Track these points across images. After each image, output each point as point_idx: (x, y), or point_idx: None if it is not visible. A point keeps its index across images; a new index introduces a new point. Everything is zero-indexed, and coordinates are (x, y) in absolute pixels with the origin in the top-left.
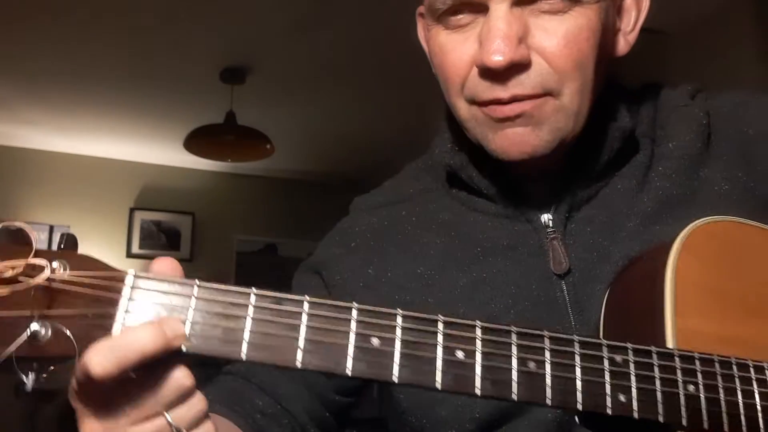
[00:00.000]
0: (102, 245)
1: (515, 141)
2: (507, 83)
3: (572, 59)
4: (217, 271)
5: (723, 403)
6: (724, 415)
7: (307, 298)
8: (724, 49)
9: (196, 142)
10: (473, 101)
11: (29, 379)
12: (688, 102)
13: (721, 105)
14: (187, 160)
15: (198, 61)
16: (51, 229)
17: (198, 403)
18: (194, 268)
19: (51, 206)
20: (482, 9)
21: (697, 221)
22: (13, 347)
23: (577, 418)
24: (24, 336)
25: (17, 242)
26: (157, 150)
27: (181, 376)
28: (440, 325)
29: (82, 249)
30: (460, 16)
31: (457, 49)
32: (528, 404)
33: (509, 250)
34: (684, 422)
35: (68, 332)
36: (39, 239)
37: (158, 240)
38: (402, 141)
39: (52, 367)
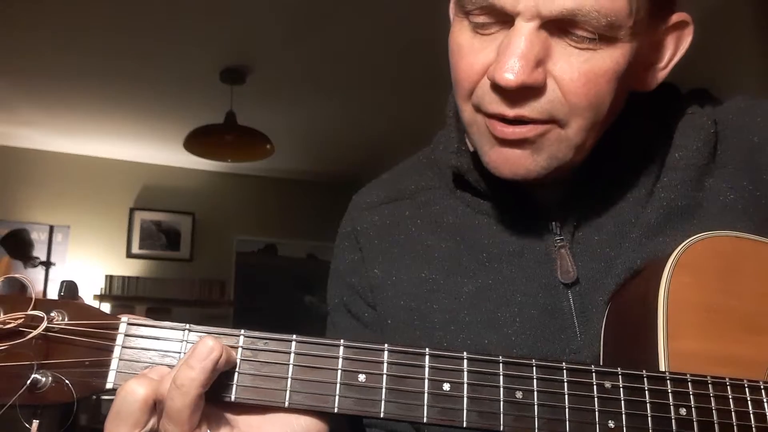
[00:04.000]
0: (102, 245)
1: (509, 161)
2: (515, 103)
3: (588, 98)
4: (217, 271)
5: (716, 426)
6: None
7: (295, 337)
8: (724, 49)
9: (196, 142)
10: (479, 109)
11: (33, 426)
12: (696, 110)
13: (727, 112)
14: (187, 160)
15: (198, 61)
16: (51, 229)
17: None
18: (194, 268)
19: (51, 206)
20: (509, 20)
21: (692, 238)
22: (15, 398)
23: None
24: (25, 386)
25: (19, 291)
26: (157, 150)
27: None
28: (427, 359)
29: (83, 249)
30: (486, 21)
31: (473, 54)
32: None
33: (515, 257)
34: None
35: (66, 380)
36: (39, 239)
37: (158, 240)
38: (402, 141)
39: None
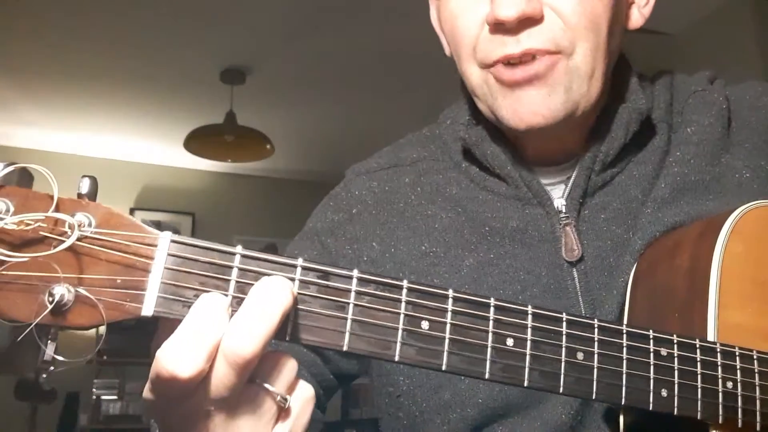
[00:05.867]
0: None
1: (528, 106)
2: (518, 36)
3: (586, 17)
4: None
5: (758, 402)
6: (758, 414)
7: (356, 273)
8: (724, 49)
9: (196, 142)
10: (485, 64)
11: (49, 348)
12: (706, 87)
13: (743, 92)
14: (187, 160)
15: (198, 61)
16: None
17: (289, 366)
18: None
19: None
20: None
21: (746, 205)
22: (39, 318)
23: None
24: (48, 303)
25: (31, 186)
26: (157, 150)
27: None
28: (492, 310)
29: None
30: None
31: (468, 11)
32: (573, 397)
33: (519, 233)
34: (720, 420)
35: (95, 299)
36: None
37: None
38: None
39: (52, 368)
